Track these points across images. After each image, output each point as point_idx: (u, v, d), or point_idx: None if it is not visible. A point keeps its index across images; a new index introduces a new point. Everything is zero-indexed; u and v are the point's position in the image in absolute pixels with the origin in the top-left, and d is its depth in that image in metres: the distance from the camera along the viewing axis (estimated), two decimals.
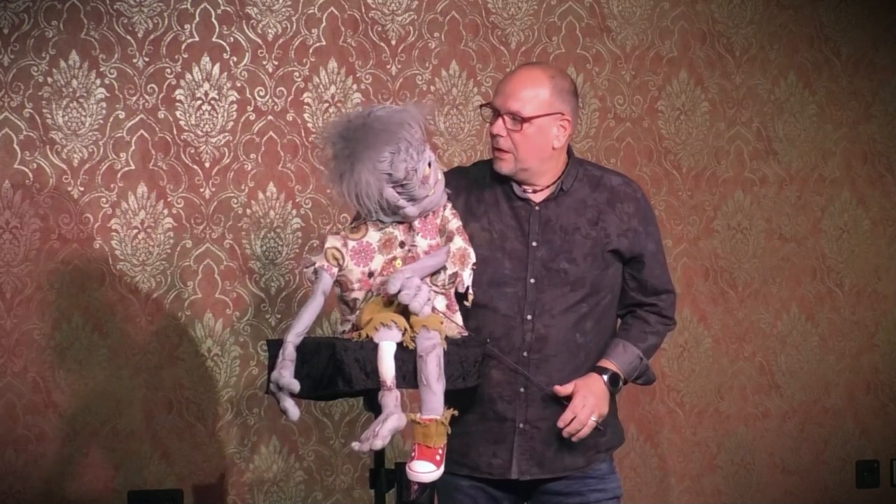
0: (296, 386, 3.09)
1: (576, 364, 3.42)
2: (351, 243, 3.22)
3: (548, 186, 3.46)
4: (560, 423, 3.35)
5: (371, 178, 3.13)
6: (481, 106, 3.51)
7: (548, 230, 3.42)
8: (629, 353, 3.46)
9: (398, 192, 3.18)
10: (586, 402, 3.36)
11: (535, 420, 3.40)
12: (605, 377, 3.41)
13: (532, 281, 3.40)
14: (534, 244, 3.42)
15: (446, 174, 3.37)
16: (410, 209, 3.21)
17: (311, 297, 3.18)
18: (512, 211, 3.44)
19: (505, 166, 3.41)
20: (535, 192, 3.45)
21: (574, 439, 3.37)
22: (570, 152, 3.51)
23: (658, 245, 3.54)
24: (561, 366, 3.39)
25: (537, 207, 3.44)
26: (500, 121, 3.39)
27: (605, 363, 3.44)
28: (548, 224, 3.42)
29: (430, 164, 3.20)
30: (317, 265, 3.19)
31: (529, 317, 3.39)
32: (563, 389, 3.37)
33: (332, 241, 3.22)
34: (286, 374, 3.10)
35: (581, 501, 3.45)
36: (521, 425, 3.40)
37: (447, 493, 3.48)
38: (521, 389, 3.40)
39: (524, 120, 3.36)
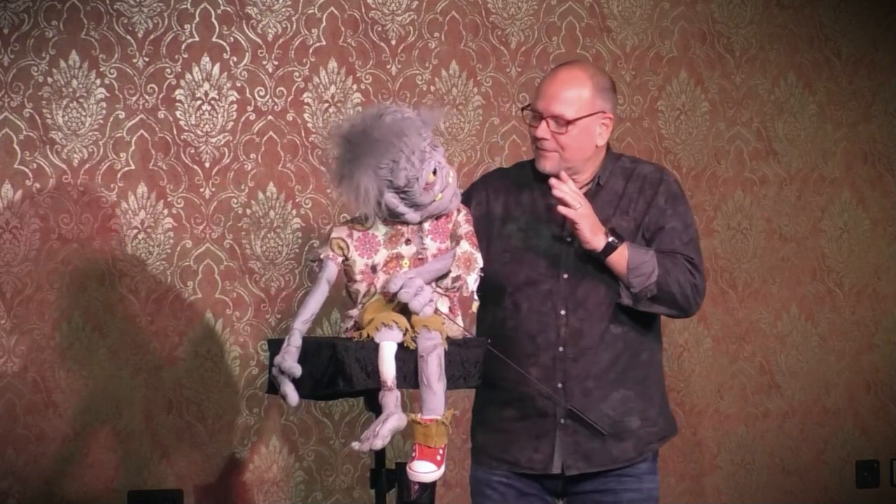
0: (297, 370, 3.10)
1: (614, 354, 3.42)
2: (356, 234, 3.24)
3: (586, 183, 3.48)
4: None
5: (370, 185, 3.14)
6: (523, 109, 3.52)
7: None
8: (644, 250, 3.38)
9: (401, 198, 3.18)
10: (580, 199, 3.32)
11: (575, 414, 3.41)
12: (611, 235, 3.35)
13: (565, 276, 3.42)
14: (568, 240, 3.43)
15: (488, 176, 3.44)
16: (412, 215, 3.21)
17: (316, 284, 3.21)
18: (548, 209, 3.45)
19: (549, 164, 3.43)
20: None
21: (556, 192, 3.30)
22: (608, 147, 3.52)
23: (685, 226, 3.48)
24: (597, 358, 3.41)
25: None
26: (543, 124, 3.40)
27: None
28: None
29: (434, 171, 3.19)
30: (322, 255, 3.22)
31: (563, 312, 3.41)
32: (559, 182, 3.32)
33: (338, 232, 3.26)
34: (289, 358, 3.11)
35: (614, 500, 3.45)
36: (563, 420, 3.42)
37: (478, 488, 3.53)
38: (559, 385, 3.41)
39: (568, 122, 3.38)
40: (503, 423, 3.42)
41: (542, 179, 3.47)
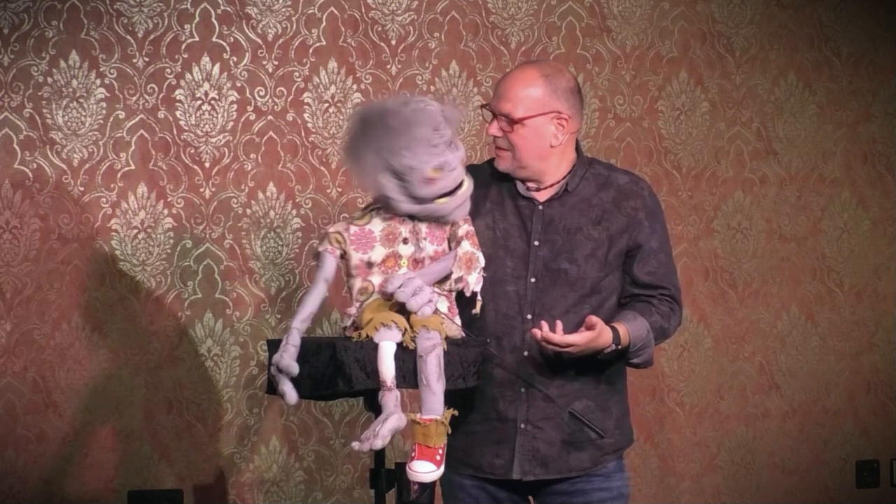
0: (295, 368, 3.10)
1: (578, 363, 3.38)
2: (353, 228, 3.25)
3: (552, 185, 3.44)
4: (538, 334, 3.25)
5: (372, 163, 3.15)
6: (482, 106, 3.52)
7: (550, 230, 3.41)
8: (639, 322, 3.36)
9: (399, 185, 3.17)
10: (581, 347, 3.27)
11: (536, 420, 3.39)
12: (615, 345, 3.31)
13: (533, 280, 3.39)
14: (536, 243, 3.41)
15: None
16: (405, 205, 3.19)
17: (314, 284, 3.21)
18: (516, 209, 3.43)
19: (502, 163, 3.43)
20: (538, 190, 3.44)
21: (546, 349, 3.28)
22: (579, 151, 3.49)
23: (662, 244, 3.47)
24: (562, 366, 3.37)
25: (541, 206, 3.43)
26: (494, 122, 3.40)
27: (617, 325, 3.33)
28: (551, 223, 3.41)
29: (440, 168, 3.18)
30: (320, 249, 3.24)
31: (529, 316, 3.38)
32: (573, 338, 3.27)
33: (336, 227, 3.27)
34: (287, 356, 3.12)
35: (585, 500, 3.44)
36: (523, 425, 3.39)
37: (450, 491, 3.49)
38: (522, 390, 3.39)
39: (515, 121, 3.36)
40: (465, 426, 3.38)
41: (511, 177, 3.45)
